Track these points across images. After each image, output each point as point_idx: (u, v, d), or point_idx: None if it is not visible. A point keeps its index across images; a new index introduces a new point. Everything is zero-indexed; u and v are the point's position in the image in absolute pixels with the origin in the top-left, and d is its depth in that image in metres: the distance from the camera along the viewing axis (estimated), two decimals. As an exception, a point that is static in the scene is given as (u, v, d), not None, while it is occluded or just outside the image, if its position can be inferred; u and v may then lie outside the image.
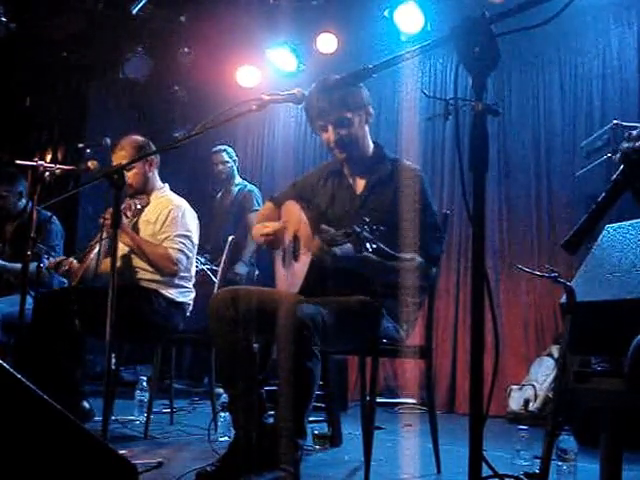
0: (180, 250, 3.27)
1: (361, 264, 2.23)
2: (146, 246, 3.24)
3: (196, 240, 3.41)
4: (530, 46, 4.76)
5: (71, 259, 3.43)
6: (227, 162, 5.45)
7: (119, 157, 3.29)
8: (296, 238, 2.53)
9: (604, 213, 1.47)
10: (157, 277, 3.29)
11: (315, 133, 2.63)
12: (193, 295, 3.46)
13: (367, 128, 2.61)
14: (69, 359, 2.98)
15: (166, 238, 3.28)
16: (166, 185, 3.53)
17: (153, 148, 3.40)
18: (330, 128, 2.50)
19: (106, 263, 3.15)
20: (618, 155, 1.53)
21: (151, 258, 3.23)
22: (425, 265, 2.40)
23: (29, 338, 3.02)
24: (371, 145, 2.64)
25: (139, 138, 3.41)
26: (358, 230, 1.98)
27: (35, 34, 5.68)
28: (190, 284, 3.44)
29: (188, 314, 3.45)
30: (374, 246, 1.99)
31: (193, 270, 3.47)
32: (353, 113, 2.50)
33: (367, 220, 2.00)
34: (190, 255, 3.36)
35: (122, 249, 3.18)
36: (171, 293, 3.31)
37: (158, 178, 3.50)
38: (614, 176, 1.46)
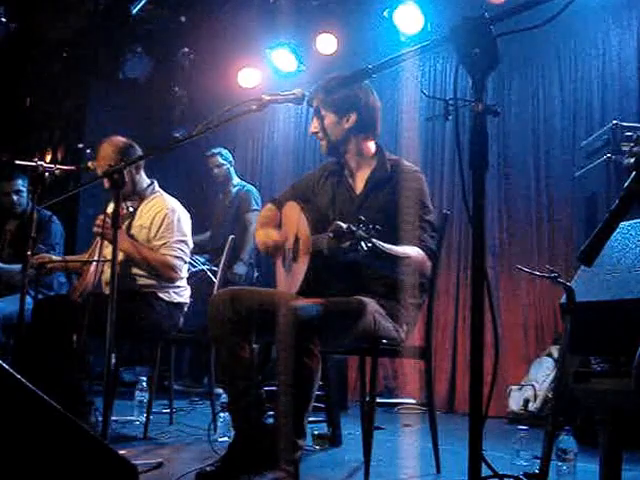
0: (178, 257, 3.25)
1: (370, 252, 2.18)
2: (147, 252, 3.19)
3: (191, 243, 3.38)
4: (530, 46, 4.75)
5: (50, 256, 3.45)
6: (223, 164, 5.48)
7: (102, 159, 3.21)
8: (296, 239, 2.53)
9: (618, 221, 1.45)
10: (153, 282, 3.25)
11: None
12: (189, 292, 3.44)
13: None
14: (68, 359, 2.97)
15: (163, 245, 3.22)
16: (155, 183, 3.43)
17: (137, 149, 3.32)
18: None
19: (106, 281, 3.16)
20: (630, 160, 1.51)
21: (152, 264, 3.19)
22: (424, 256, 2.38)
23: (28, 339, 3.02)
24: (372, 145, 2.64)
25: (121, 139, 3.33)
26: (353, 229, 1.97)
27: (35, 34, 5.69)
28: (184, 282, 3.42)
29: (186, 310, 3.43)
30: (369, 244, 1.99)
31: (186, 268, 3.44)
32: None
33: (362, 219, 2.00)
34: (187, 260, 3.36)
35: (119, 256, 3.15)
36: (169, 295, 3.30)
37: (144, 176, 3.40)
38: (627, 183, 1.44)
